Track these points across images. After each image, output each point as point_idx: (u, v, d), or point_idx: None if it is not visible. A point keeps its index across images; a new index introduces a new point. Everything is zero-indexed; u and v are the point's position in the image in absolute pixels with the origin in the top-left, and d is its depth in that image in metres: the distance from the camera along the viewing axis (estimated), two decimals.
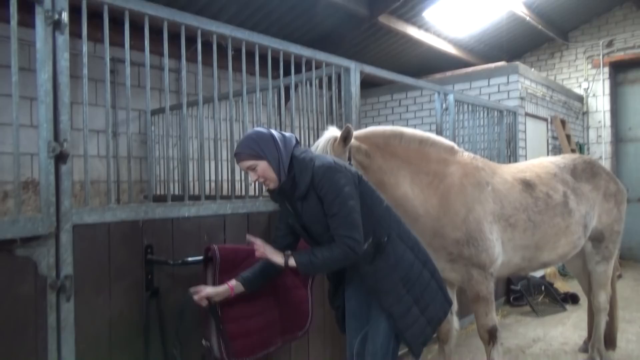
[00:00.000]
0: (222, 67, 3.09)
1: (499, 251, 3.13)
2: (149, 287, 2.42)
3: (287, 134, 2.32)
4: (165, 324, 2.43)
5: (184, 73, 2.80)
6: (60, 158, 2.14)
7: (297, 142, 2.32)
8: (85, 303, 2.22)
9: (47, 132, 2.10)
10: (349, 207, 2.12)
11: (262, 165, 2.19)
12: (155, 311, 2.43)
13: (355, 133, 2.91)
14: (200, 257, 2.44)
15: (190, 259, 2.43)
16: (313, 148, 2.86)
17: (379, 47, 7.63)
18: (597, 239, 3.67)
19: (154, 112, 5.90)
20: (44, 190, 2.10)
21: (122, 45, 2.49)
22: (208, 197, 2.92)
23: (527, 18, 7.58)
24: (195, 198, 2.83)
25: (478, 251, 3.01)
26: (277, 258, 2.20)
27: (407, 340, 2.28)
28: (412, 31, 7.24)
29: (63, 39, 2.18)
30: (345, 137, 2.76)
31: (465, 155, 3.24)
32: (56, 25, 2.14)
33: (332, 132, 2.86)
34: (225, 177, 5.51)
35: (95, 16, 2.50)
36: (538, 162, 3.70)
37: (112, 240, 2.33)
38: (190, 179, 5.56)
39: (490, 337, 3.15)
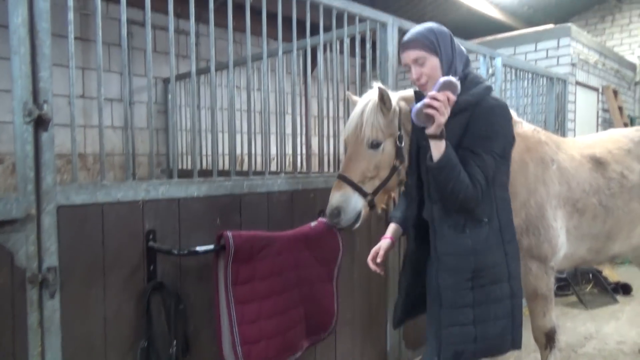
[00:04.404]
0: (240, 30, 2.63)
1: (563, 241, 2.65)
2: (151, 280, 2.04)
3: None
4: (169, 322, 2.06)
5: (192, 29, 2.35)
6: (39, 124, 1.75)
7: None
8: (74, 299, 1.86)
9: (22, 91, 1.71)
10: (495, 153, 1.83)
11: (432, 62, 1.88)
12: (159, 308, 2.06)
13: (403, 94, 2.38)
14: (211, 246, 2.04)
15: (199, 248, 2.03)
16: (356, 113, 2.32)
17: (414, 7, 7.01)
18: None
19: (167, 80, 5.50)
20: (20, 164, 1.73)
21: (134, 5, 2.07)
22: (222, 173, 2.51)
23: None
24: (208, 174, 2.43)
25: (539, 241, 2.53)
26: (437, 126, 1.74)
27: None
28: None
29: None
30: (383, 101, 2.26)
31: (526, 126, 2.73)
32: None
33: (378, 92, 2.27)
34: (243, 151, 5.12)
35: None
36: (608, 136, 3.15)
37: (106, 225, 1.94)
38: (205, 152, 5.17)
39: (548, 340, 2.71)
